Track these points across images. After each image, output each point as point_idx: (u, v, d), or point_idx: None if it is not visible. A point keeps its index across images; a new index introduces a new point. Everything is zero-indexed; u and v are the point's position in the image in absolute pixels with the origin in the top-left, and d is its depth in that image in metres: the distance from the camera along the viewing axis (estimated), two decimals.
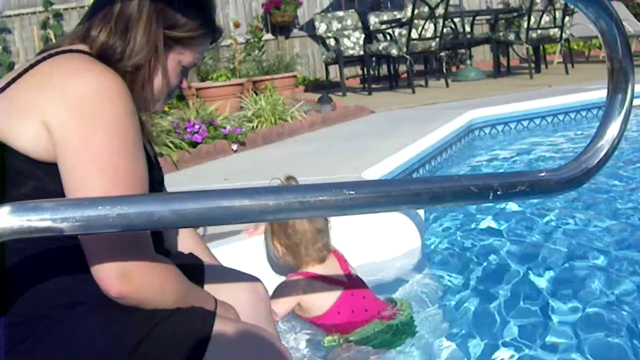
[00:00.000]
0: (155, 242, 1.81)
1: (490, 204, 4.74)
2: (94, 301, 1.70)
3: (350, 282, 3.18)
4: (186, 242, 2.33)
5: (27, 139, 1.66)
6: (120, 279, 1.63)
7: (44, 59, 1.74)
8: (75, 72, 1.69)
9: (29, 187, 1.67)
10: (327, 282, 3.12)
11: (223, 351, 1.79)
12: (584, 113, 8.36)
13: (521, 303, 3.33)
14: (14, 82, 1.72)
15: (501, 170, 6.37)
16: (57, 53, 1.76)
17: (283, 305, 3.02)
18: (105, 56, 1.79)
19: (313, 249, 3.12)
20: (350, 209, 1.58)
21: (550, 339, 2.98)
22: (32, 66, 1.73)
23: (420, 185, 1.67)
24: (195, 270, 2.13)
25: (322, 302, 3.09)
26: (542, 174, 1.78)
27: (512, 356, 2.86)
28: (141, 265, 1.67)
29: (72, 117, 1.64)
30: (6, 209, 1.31)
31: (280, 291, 3.04)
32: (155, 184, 1.89)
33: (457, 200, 1.71)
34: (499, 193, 1.63)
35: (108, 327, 1.71)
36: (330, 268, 3.18)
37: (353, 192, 1.52)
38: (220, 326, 1.81)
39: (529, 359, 2.85)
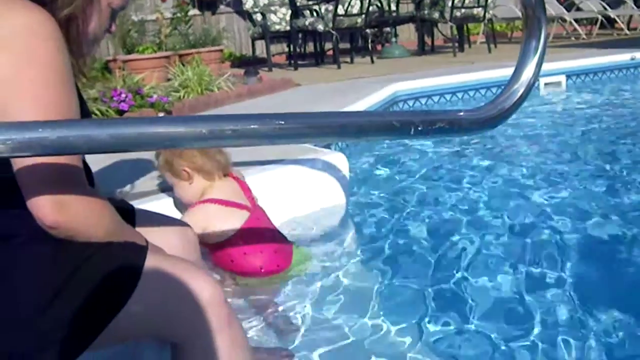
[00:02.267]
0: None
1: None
2: (27, 235, 1.72)
3: (254, 208, 3.33)
4: None
5: None
6: (54, 207, 1.64)
7: None
8: (7, 10, 1.69)
9: None
10: (233, 206, 3.24)
11: (154, 284, 1.81)
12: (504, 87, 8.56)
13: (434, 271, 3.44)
14: None
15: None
16: None
17: None
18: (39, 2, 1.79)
19: (216, 161, 3.25)
20: (279, 139, 1.66)
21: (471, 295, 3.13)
22: None
23: (346, 118, 1.76)
24: (126, 214, 2.11)
25: (228, 226, 3.22)
26: (461, 113, 1.89)
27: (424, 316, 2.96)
28: (76, 196, 1.69)
29: (6, 53, 1.64)
30: None
31: (188, 219, 3.01)
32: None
33: (380, 134, 1.81)
34: (419, 129, 1.73)
35: (36, 261, 1.73)
36: (235, 194, 3.29)
37: (282, 122, 1.60)
38: (151, 261, 1.83)
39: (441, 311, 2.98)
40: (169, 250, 2.14)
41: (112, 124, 1.53)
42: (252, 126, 1.57)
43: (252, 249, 3.23)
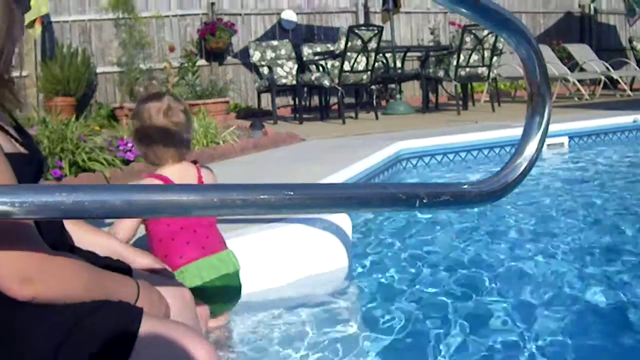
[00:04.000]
0: (60, 235, 1.89)
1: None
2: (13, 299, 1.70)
3: None
4: (80, 233, 2.33)
5: None
6: (21, 285, 1.65)
7: None
8: None
9: None
10: None
11: (149, 350, 1.81)
12: (508, 148, 8.63)
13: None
14: None
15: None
16: None
17: None
18: None
19: (172, 143, 3.19)
20: (288, 209, 1.71)
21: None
22: None
23: (351, 190, 1.80)
24: (119, 272, 2.10)
25: None
26: (465, 187, 1.93)
27: None
28: (40, 266, 1.68)
29: None
30: None
31: None
32: (30, 180, 1.87)
33: (385, 206, 1.85)
34: (425, 201, 1.77)
35: (29, 326, 1.73)
36: (186, 176, 3.22)
37: (292, 193, 1.65)
38: (147, 325, 1.84)
39: None
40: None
41: (125, 190, 1.57)
42: (261, 196, 1.61)
43: (178, 241, 3.19)
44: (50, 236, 1.82)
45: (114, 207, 1.53)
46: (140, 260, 2.48)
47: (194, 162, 3.34)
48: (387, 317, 3.53)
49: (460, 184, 1.94)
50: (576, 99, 15.24)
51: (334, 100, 13.63)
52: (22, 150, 1.86)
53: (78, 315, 1.76)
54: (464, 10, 1.80)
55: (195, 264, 3.12)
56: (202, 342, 1.92)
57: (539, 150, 1.99)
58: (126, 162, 6.71)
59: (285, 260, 3.90)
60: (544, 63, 1.92)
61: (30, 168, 1.90)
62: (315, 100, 14.13)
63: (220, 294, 3.22)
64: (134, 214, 1.57)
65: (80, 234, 2.31)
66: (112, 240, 2.49)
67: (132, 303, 1.96)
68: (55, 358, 1.71)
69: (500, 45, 12.53)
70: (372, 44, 11.53)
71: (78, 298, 1.77)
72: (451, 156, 8.44)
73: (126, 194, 1.56)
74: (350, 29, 11.33)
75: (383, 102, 14.72)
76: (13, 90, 1.91)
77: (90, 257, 2.11)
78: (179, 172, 3.19)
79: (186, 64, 13.20)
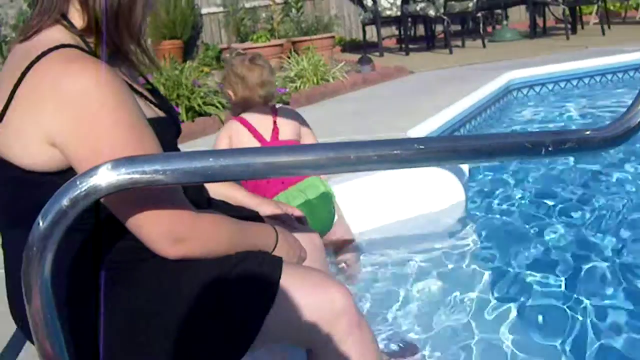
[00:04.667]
0: (200, 192, 1.99)
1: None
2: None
3: (273, 142, 3.58)
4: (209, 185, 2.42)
5: (42, 159, 1.72)
6: (173, 245, 1.75)
7: (27, 68, 1.72)
8: (62, 72, 1.69)
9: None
10: (253, 132, 3.56)
11: (289, 298, 1.90)
12: (620, 75, 8.47)
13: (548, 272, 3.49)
14: (9, 107, 1.73)
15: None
16: (37, 58, 1.72)
17: (219, 141, 3.62)
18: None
19: (257, 94, 3.63)
20: (420, 162, 1.78)
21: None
22: (20, 80, 1.72)
23: (480, 141, 1.86)
24: (253, 220, 2.17)
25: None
26: (588, 132, 1.97)
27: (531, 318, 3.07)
28: (189, 225, 1.78)
29: (73, 130, 1.68)
30: (117, 162, 1.50)
31: (220, 130, 3.76)
32: (171, 142, 1.97)
33: (513, 155, 1.92)
34: (550, 149, 1.82)
35: (182, 277, 1.83)
36: (263, 124, 3.61)
37: (423, 147, 1.72)
38: (286, 275, 1.91)
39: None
40: None
41: (267, 152, 1.67)
42: (395, 151, 1.69)
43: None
44: (192, 193, 1.93)
45: (258, 169, 1.62)
46: (265, 208, 2.54)
47: (273, 105, 3.74)
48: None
49: (583, 129, 1.97)
50: None
51: (439, 29, 13.50)
52: (160, 113, 1.96)
53: (224, 268, 1.85)
54: None
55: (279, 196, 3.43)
56: (337, 285, 2.00)
57: None
58: None
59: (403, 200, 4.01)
60: None
61: (170, 130, 2.00)
62: (421, 30, 14.04)
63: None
64: (276, 174, 1.66)
65: (209, 186, 2.42)
66: (236, 190, 2.59)
67: (271, 251, 2.06)
68: (205, 311, 1.82)
69: None
70: None
71: (224, 252, 1.88)
72: (562, 84, 8.32)
73: (269, 156, 1.65)
74: None
75: (489, 29, 14.53)
76: (149, 53, 2.00)
77: (225, 208, 2.22)
78: (257, 115, 3.61)
79: (290, 0, 13.22)
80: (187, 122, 6.26)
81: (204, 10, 13.90)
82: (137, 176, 1.51)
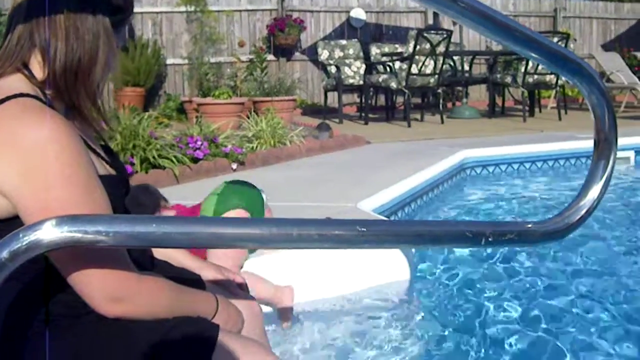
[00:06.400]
0: (144, 252, 2.00)
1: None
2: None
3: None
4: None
5: None
6: (112, 305, 1.75)
7: None
8: (16, 133, 1.69)
9: None
10: None
11: None
12: (573, 161, 8.60)
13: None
14: None
15: (490, 212, 6.57)
16: None
17: None
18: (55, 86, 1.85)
19: None
20: (361, 244, 1.80)
21: None
22: None
23: (422, 227, 1.89)
24: (194, 285, 2.18)
25: None
26: (529, 225, 2.00)
27: None
28: (129, 287, 1.78)
29: (24, 181, 1.68)
30: (61, 219, 1.49)
31: None
32: (119, 200, 1.96)
33: (453, 243, 1.94)
34: (490, 240, 1.85)
35: (118, 335, 1.81)
36: None
37: (365, 229, 1.74)
38: (222, 341, 1.91)
39: None
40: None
41: (211, 223, 1.68)
42: (336, 232, 1.71)
43: None
44: (136, 252, 1.94)
45: (201, 239, 1.63)
46: (207, 272, 2.54)
47: None
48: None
49: (524, 222, 2.01)
50: None
51: (399, 100, 13.67)
52: (111, 171, 1.97)
53: (160, 330, 1.84)
54: (534, 55, 1.87)
55: None
56: (272, 357, 2.02)
57: (601, 194, 2.04)
58: (195, 160, 6.87)
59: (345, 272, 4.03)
60: (614, 111, 1.98)
61: (119, 189, 2.00)
62: (381, 100, 14.19)
63: None
64: (218, 246, 1.67)
65: None
66: (179, 252, 2.59)
67: (210, 318, 2.06)
68: None
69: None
70: (441, 48, 11.57)
71: (163, 316, 1.87)
72: (516, 166, 8.45)
73: (213, 226, 1.66)
74: (419, 33, 11.39)
75: (449, 104, 14.73)
76: (103, 113, 2.01)
77: (168, 269, 2.23)
78: None
79: (255, 60, 13.32)
80: (140, 174, 6.25)
81: (169, 61, 13.97)
82: (79, 235, 1.51)
